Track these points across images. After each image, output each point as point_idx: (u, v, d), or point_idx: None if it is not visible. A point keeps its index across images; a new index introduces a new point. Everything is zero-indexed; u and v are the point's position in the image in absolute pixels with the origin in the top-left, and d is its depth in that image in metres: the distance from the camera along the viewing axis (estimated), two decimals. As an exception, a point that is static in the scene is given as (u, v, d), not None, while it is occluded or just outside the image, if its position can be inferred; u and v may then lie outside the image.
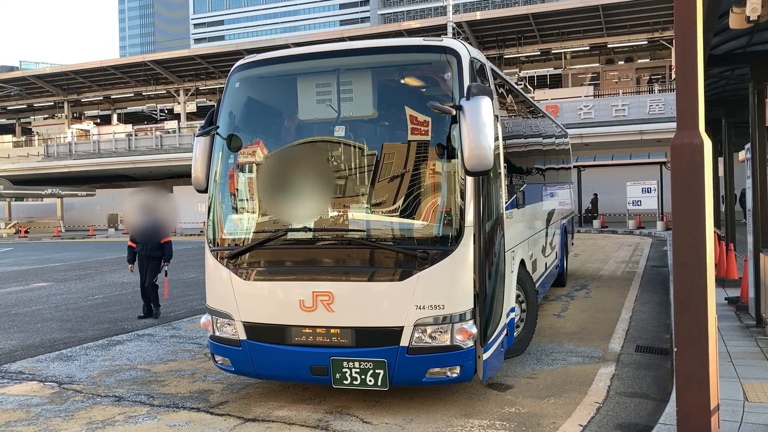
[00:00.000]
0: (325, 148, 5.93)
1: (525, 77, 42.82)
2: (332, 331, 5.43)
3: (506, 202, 6.25)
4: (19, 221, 47.74)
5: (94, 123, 53.69)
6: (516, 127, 7.96)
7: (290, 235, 5.75)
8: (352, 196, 5.74)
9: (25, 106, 55.56)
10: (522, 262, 7.23)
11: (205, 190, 6.12)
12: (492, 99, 5.22)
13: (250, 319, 5.71)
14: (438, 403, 5.83)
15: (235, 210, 6.20)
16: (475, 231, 5.31)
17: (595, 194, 32.41)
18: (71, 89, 51.32)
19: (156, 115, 56.95)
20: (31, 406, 6.17)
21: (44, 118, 57.23)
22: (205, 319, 6.16)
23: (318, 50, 6.13)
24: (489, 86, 5.95)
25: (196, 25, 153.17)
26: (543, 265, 9.35)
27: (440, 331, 5.25)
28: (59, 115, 54.74)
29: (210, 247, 6.03)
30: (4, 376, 7.35)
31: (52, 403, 6.22)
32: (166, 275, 10.86)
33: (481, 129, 4.95)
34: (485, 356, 5.40)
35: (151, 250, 10.52)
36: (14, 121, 58.69)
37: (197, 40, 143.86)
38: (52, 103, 53.84)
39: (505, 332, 6.02)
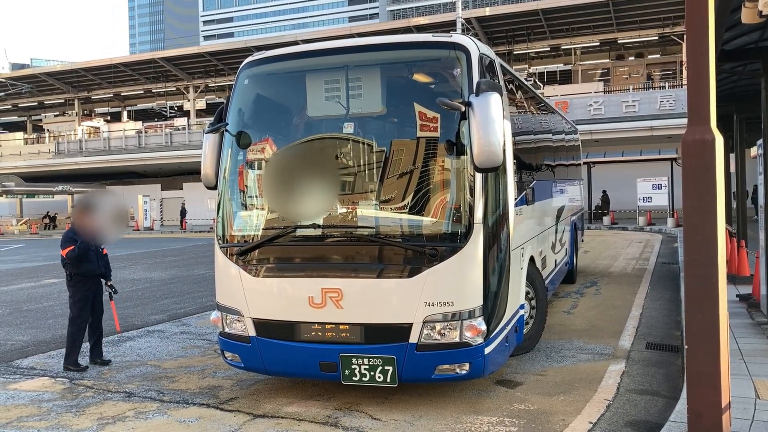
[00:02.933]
0: (334, 144, 5.92)
1: (534, 73, 42.67)
2: (341, 327, 5.43)
3: (516, 199, 6.23)
4: (30, 218, 48.07)
5: (105, 120, 53.96)
6: (525, 123, 7.93)
7: (299, 232, 5.75)
8: (360, 193, 5.74)
9: (36, 104, 55.91)
10: (531, 259, 7.20)
11: (215, 187, 6.13)
12: (501, 95, 5.20)
13: (259, 316, 5.73)
14: (447, 399, 5.82)
15: (245, 207, 6.21)
16: (484, 228, 5.30)
17: (605, 191, 32.27)
18: (82, 87, 51.58)
19: (166, 112, 57.17)
20: (43, 401, 6.22)
21: (55, 116, 57.59)
22: (214, 315, 6.19)
23: (327, 47, 6.13)
24: (498, 82, 5.93)
25: (205, 22, 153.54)
26: (552, 262, 9.32)
27: (449, 328, 5.25)
28: (70, 112, 55.08)
29: (219, 243, 6.04)
30: (15, 371, 7.41)
31: (63, 399, 6.26)
32: (111, 298, 7.91)
33: (491, 125, 4.93)
34: (487, 350, 5.39)
35: (106, 267, 7.79)
36: (25, 118, 59.10)
37: (206, 37, 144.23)
38: (63, 101, 54.15)
39: (510, 328, 6.00)
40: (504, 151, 5.16)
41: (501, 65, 6.45)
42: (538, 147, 8.89)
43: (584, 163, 23.54)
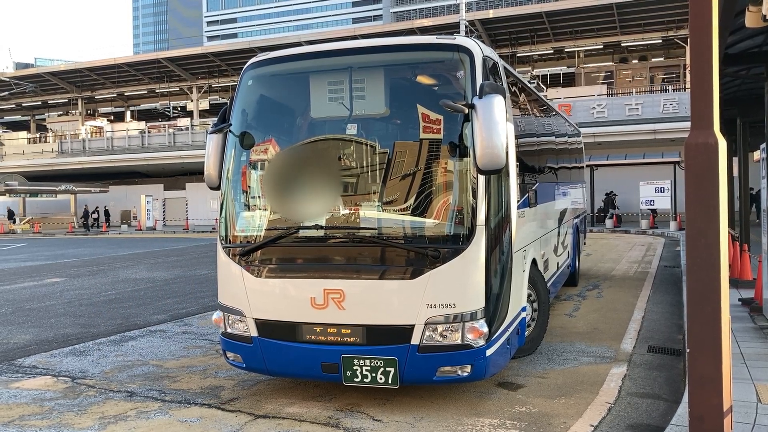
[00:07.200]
0: (337, 146, 5.93)
1: (538, 75, 42.67)
2: (343, 328, 5.43)
3: (518, 201, 6.23)
4: (33, 217, 48.12)
5: (108, 120, 54.07)
6: (528, 125, 7.93)
7: (302, 233, 5.76)
8: (363, 194, 5.74)
9: (40, 103, 56.02)
10: (534, 262, 7.20)
11: (218, 188, 6.14)
12: (505, 97, 5.21)
13: (261, 316, 5.73)
14: (448, 401, 5.83)
15: (247, 207, 6.22)
16: (486, 230, 5.30)
17: (606, 194, 32.22)
18: (85, 86, 51.70)
19: (169, 112, 57.24)
20: (45, 400, 6.23)
21: (58, 115, 57.69)
22: (216, 315, 6.20)
23: (330, 48, 6.13)
24: (502, 85, 5.94)
25: (209, 23, 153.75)
26: (555, 265, 9.32)
27: (451, 330, 5.25)
28: (73, 111, 55.17)
29: (222, 243, 6.05)
30: (18, 370, 7.43)
31: (66, 398, 6.28)
32: None
33: (494, 128, 4.94)
34: (488, 353, 5.38)
35: None
36: (29, 117, 59.21)
37: (210, 38, 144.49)
38: (67, 100, 54.25)
39: (512, 330, 6.00)
40: (507, 153, 5.17)
41: (504, 67, 6.45)
42: (541, 149, 8.89)
43: (587, 165, 23.54)
